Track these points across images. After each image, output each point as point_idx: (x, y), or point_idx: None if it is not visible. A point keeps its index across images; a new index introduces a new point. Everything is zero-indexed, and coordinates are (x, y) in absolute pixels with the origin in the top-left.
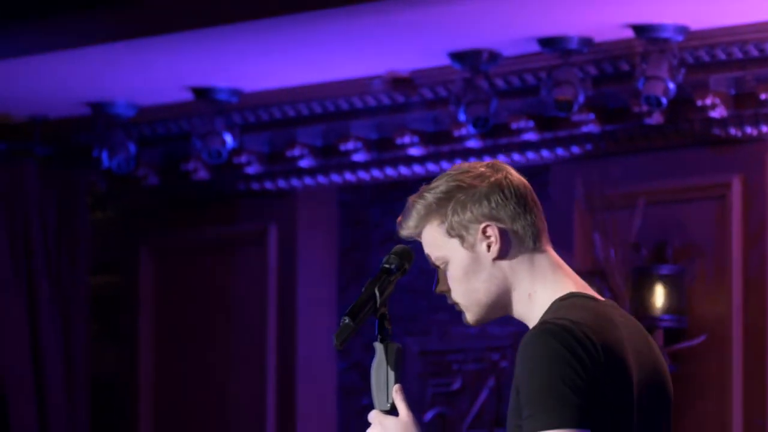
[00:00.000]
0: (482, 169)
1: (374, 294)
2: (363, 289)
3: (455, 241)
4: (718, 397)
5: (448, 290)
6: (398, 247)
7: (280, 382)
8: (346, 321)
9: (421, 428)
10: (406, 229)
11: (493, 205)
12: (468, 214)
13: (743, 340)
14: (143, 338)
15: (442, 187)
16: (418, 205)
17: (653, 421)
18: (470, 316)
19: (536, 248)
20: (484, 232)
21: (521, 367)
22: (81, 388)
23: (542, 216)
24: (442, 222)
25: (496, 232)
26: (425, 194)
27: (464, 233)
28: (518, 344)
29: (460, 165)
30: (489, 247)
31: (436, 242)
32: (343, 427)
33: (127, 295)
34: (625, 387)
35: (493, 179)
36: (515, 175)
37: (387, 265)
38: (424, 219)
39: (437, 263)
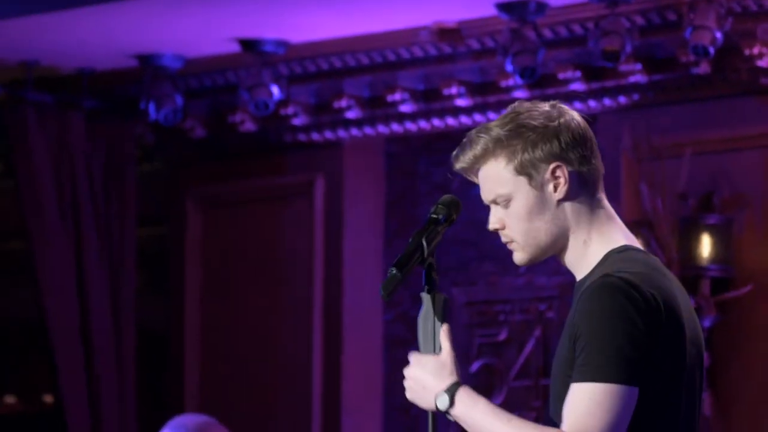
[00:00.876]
0: (548, 109)
1: (421, 244)
2: (410, 240)
3: (522, 179)
4: (765, 346)
5: (503, 228)
6: (446, 197)
7: (326, 332)
8: (393, 272)
9: (460, 369)
10: (464, 162)
11: (563, 146)
12: (539, 153)
13: None
14: (190, 290)
15: (511, 125)
16: (484, 139)
17: (693, 379)
18: (523, 255)
19: (598, 196)
20: (553, 172)
21: (582, 317)
22: (128, 339)
23: (601, 162)
24: (511, 159)
25: (566, 173)
26: (493, 129)
27: (533, 172)
28: (564, 295)
29: (521, 104)
30: (556, 188)
31: (501, 179)
32: (389, 378)
33: (174, 247)
34: (680, 342)
35: (562, 120)
36: (580, 118)
37: (434, 216)
38: (490, 154)
39: (498, 200)
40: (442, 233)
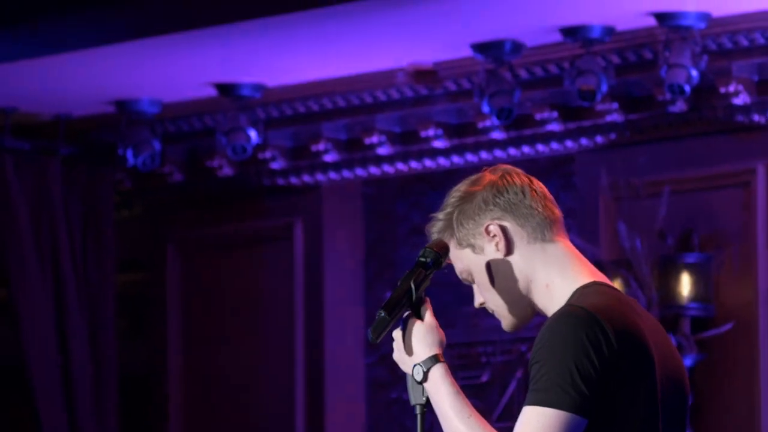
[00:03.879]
0: (481, 175)
1: (410, 288)
2: (399, 283)
3: (468, 251)
4: (746, 384)
5: (484, 301)
6: (434, 240)
7: (308, 376)
8: (382, 315)
9: (444, 339)
10: (438, 246)
11: (491, 205)
12: (471, 222)
13: None
14: (171, 335)
15: (448, 207)
16: (433, 230)
17: (673, 419)
18: (507, 322)
19: (547, 238)
20: (487, 232)
21: (538, 345)
22: (109, 386)
23: (553, 206)
24: (453, 237)
25: (498, 229)
26: (436, 217)
27: (472, 240)
28: None
29: (467, 178)
30: (497, 245)
31: (455, 257)
32: (373, 421)
33: (155, 293)
34: (647, 374)
35: (488, 181)
36: (514, 174)
37: (423, 259)
38: (443, 237)
39: (463, 277)
40: (431, 277)
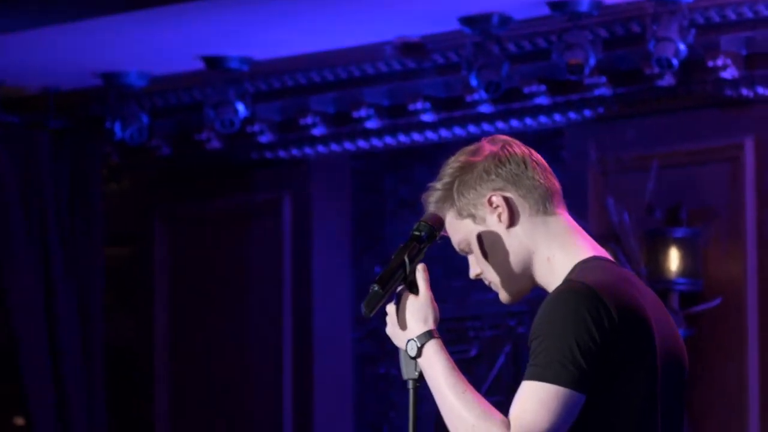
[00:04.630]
0: (480, 145)
1: (404, 262)
2: (393, 257)
3: (468, 221)
4: (735, 358)
5: (480, 273)
6: (428, 214)
7: (295, 350)
8: (376, 288)
9: (438, 313)
10: (435, 216)
11: (493, 176)
12: (472, 192)
13: (759, 301)
14: (158, 308)
15: (446, 177)
16: (431, 200)
17: (671, 394)
18: (504, 294)
19: (549, 211)
20: (490, 203)
21: (539, 320)
22: (96, 358)
23: (552, 178)
24: (453, 207)
25: (501, 200)
26: (434, 187)
27: (473, 211)
28: (534, 310)
29: (463, 149)
30: (499, 217)
31: (454, 228)
32: (359, 395)
33: (142, 266)
34: (647, 350)
35: (488, 152)
36: (514, 144)
37: (417, 233)
38: (441, 211)
39: (461, 248)
40: (425, 251)
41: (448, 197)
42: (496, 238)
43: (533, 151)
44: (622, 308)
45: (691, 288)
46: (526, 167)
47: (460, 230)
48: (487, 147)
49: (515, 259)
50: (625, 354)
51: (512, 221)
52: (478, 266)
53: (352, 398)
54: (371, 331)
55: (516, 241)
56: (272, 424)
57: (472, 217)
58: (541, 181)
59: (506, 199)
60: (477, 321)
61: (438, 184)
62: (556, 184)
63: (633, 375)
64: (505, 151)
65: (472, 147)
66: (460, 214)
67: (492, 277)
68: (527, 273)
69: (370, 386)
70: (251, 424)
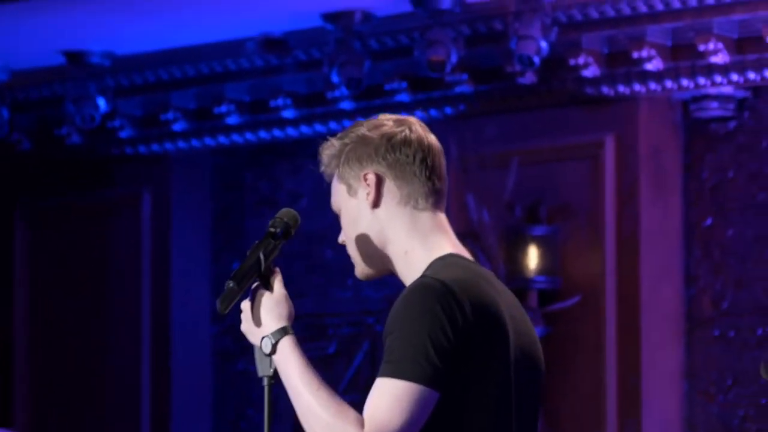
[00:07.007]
0: (386, 122)
1: (259, 258)
2: (248, 253)
3: (344, 188)
4: (593, 357)
5: (344, 241)
6: (283, 210)
7: (154, 345)
8: (231, 285)
9: (293, 310)
10: (324, 171)
11: (379, 158)
12: (356, 165)
13: (617, 299)
14: (18, 303)
15: (345, 139)
16: (323, 152)
17: (525, 392)
18: (357, 269)
19: (419, 206)
20: (365, 178)
21: (393, 316)
22: None
23: (439, 180)
24: (337, 168)
25: (374, 180)
26: (333, 141)
27: (351, 181)
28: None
29: (379, 116)
30: (368, 195)
31: (334, 188)
32: (218, 391)
33: (2, 260)
34: (501, 348)
35: (388, 131)
36: (419, 132)
37: (273, 229)
38: (329, 166)
39: (334, 209)
40: (280, 247)
41: (337, 157)
42: (360, 214)
43: (434, 146)
44: (477, 305)
45: (550, 286)
46: (413, 160)
47: (337, 193)
48: (388, 126)
49: (372, 240)
50: (479, 351)
51: (376, 203)
52: (342, 234)
53: (211, 394)
54: (230, 327)
55: (377, 225)
56: (130, 420)
57: (349, 186)
58: (423, 178)
59: (379, 181)
60: (336, 318)
61: (336, 141)
62: (441, 187)
63: (487, 373)
64: (402, 136)
65: (380, 120)
66: (341, 179)
67: (350, 249)
68: (382, 258)
69: (228, 382)
70: (110, 419)
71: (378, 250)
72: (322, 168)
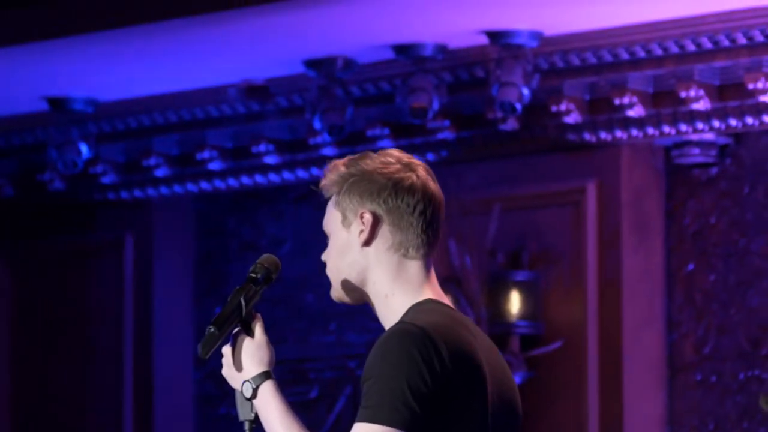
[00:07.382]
0: (396, 164)
1: (240, 303)
2: (229, 299)
3: (339, 216)
4: (574, 401)
5: (326, 261)
6: (264, 256)
7: (137, 390)
8: (212, 330)
9: (274, 355)
10: (322, 188)
11: (381, 200)
12: (356, 199)
13: (598, 345)
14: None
15: (353, 166)
16: (330, 174)
17: None
18: (333, 291)
19: (412, 256)
20: (361, 216)
21: (371, 361)
22: None
23: (433, 234)
24: (337, 195)
25: (371, 220)
26: (339, 165)
27: (347, 213)
28: None
29: (389, 151)
30: (361, 232)
31: (329, 210)
32: None
33: None
34: (479, 394)
35: (396, 175)
36: (424, 180)
37: (253, 275)
38: (329, 189)
39: (324, 230)
40: (261, 292)
41: (337, 186)
42: (349, 247)
43: (436, 197)
44: (454, 351)
45: (532, 331)
46: (413, 211)
47: (330, 218)
48: (397, 168)
49: (352, 275)
50: (456, 397)
51: (368, 243)
52: (326, 254)
53: None
54: (212, 372)
55: (363, 262)
56: None
57: (344, 217)
58: (419, 231)
59: (375, 223)
60: (317, 362)
61: (342, 166)
62: (435, 239)
63: (464, 418)
64: (407, 184)
65: (390, 157)
66: (337, 207)
67: (331, 273)
68: (360, 292)
69: (210, 426)
70: None
71: (357, 284)
72: (322, 184)
